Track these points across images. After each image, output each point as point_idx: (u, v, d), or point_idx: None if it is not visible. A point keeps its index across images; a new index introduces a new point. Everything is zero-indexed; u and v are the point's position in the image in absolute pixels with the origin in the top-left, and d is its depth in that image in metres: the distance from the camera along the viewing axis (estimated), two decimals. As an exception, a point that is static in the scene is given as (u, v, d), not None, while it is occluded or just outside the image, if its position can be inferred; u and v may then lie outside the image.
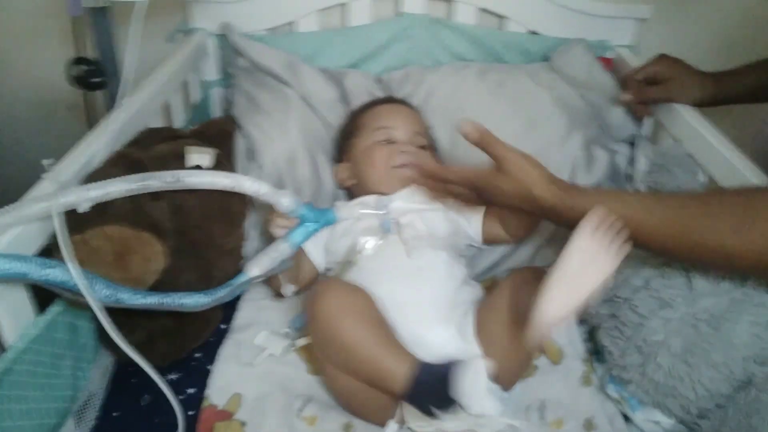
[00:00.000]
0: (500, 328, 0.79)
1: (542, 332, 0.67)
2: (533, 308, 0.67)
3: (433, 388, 0.68)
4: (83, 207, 0.67)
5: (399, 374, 0.70)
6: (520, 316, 0.77)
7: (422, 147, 1.02)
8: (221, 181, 0.76)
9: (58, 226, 0.64)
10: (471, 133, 0.76)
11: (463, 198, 0.86)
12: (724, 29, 1.31)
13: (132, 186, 0.69)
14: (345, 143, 1.08)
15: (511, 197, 0.75)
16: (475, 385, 0.67)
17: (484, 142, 0.76)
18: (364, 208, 0.92)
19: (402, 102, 1.14)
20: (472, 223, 0.96)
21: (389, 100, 1.14)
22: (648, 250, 0.74)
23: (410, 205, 0.92)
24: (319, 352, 0.77)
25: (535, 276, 0.80)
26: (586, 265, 0.67)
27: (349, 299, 0.76)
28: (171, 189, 0.73)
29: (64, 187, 0.67)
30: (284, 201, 0.82)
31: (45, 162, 0.66)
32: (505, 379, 0.78)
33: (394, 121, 1.03)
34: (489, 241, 0.98)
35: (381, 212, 0.91)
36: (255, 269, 0.82)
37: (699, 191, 0.88)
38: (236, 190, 0.77)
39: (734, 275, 0.73)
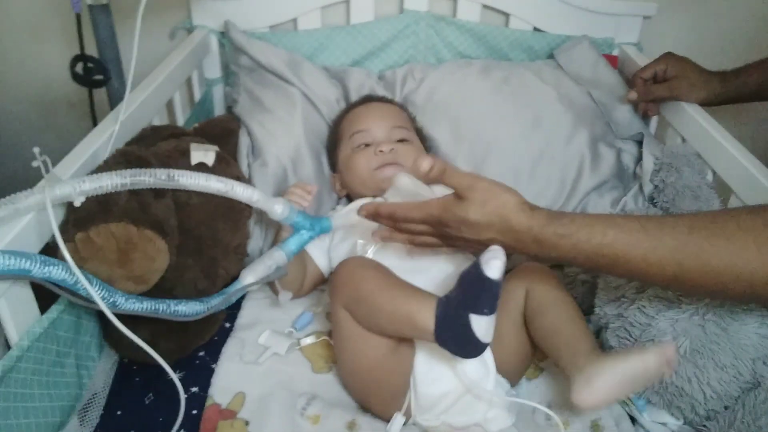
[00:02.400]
0: (505, 322, 0.78)
1: (584, 406, 0.67)
2: (579, 376, 0.67)
3: (455, 317, 0.66)
4: (78, 200, 0.67)
5: (424, 311, 0.67)
6: (527, 312, 0.78)
7: (402, 140, 1.01)
8: (214, 185, 0.75)
9: (53, 217, 0.63)
10: (432, 170, 0.68)
11: (424, 241, 0.76)
12: (729, 27, 1.30)
13: (125, 180, 0.68)
14: (332, 154, 1.09)
15: (482, 229, 0.67)
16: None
17: (446, 175, 0.68)
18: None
19: (377, 99, 1.13)
20: None
21: (363, 100, 1.12)
22: (656, 284, 0.68)
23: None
24: (343, 306, 0.75)
25: (541, 271, 0.81)
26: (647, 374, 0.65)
27: (370, 263, 0.77)
28: (163, 187, 0.73)
29: (58, 180, 0.67)
30: (278, 208, 0.81)
31: (35, 150, 0.65)
32: (511, 373, 0.79)
33: (369, 123, 1.02)
34: None
35: None
36: (250, 277, 0.81)
37: (702, 213, 0.75)
38: (229, 195, 0.76)
39: (750, 304, 0.69)
